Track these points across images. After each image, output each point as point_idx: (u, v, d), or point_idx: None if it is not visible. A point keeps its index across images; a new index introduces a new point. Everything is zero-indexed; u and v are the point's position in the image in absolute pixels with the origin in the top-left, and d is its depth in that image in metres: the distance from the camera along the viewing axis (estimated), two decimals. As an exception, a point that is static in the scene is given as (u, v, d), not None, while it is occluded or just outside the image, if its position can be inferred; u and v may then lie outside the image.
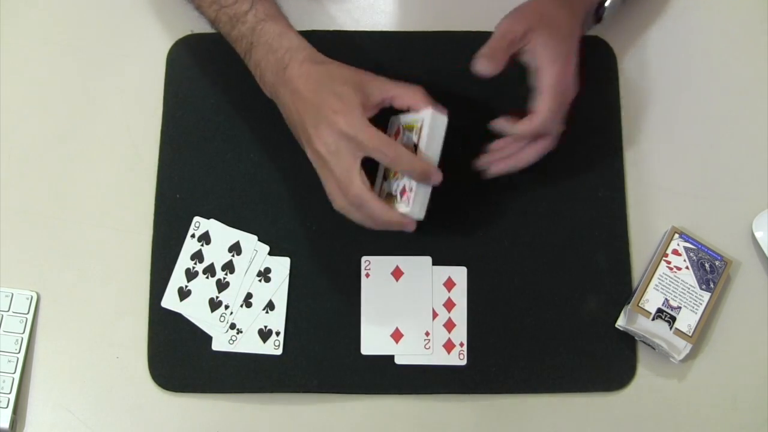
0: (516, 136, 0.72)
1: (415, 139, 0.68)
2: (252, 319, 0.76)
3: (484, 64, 0.68)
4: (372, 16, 0.85)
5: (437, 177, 0.67)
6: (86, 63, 0.83)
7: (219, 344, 0.76)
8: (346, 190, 0.66)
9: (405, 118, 0.70)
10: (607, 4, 0.77)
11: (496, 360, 0.76)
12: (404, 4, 0.85)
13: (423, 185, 0.68)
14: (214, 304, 0.76)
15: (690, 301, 0.75)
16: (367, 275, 0.77)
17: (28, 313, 0.76)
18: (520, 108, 0.71)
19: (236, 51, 0.74)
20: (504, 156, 0.75)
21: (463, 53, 0.83)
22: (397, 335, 0.76)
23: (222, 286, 0.77)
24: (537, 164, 0.79)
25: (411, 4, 0.85)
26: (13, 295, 0.76)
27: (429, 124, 0.67)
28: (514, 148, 0.74)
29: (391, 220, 0.67)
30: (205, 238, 0.78)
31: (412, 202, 0.68)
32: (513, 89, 0.72)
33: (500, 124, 0.72)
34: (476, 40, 0.82)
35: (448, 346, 0.76)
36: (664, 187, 0.81)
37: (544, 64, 0.69)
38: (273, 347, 0.75)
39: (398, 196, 0.70)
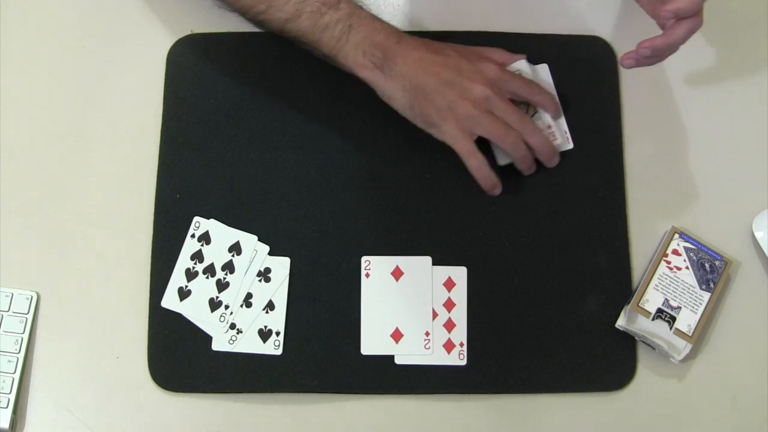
0: (666, 43, 0.71)
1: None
2: (252, 319, 0.76)
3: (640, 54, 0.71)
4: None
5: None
6: (86, 63, 0.83)
7: (219, 344, 0.76)
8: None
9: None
10: None
11: (496, 360, 0.76)
12: (408, 4, 0.85)
13: (558, 118, 0.79)
14: (214, 304, 0.76)
15: (690, 301, 0.75)
16: (367, 275, 0.77)
17: (28, 313, 0.76)
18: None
19: (305, 41, 0.75)
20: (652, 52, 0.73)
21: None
22: (397, 335, 0.76)
23: (222, 286, 0.77)
24: (540, 167, 0.79)
25: (413, 5, 0.85)
26: (13, 295, 0.76)
27: (527, 71, 0.79)
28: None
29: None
30: (205, 238, 0.78)
31: (559, 135, 0.79)
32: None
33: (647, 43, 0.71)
34: (478, 40, 0.83)
35: (448, 346, 0.76)
36: (664, 187, 0.81)
37: None
38: (273, 347, 0.75)
39: None
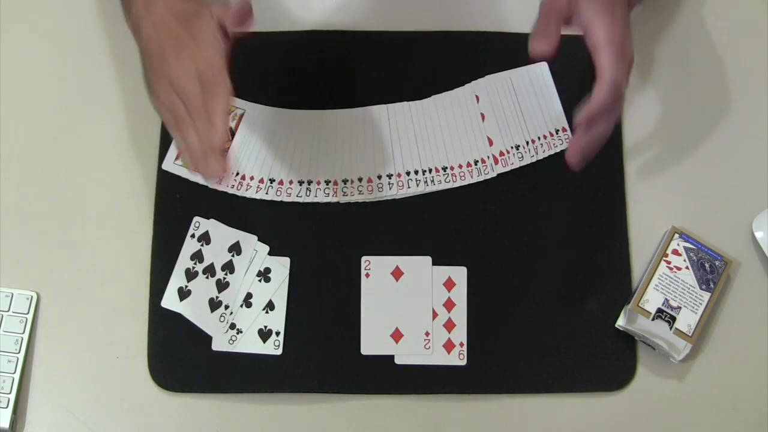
0: (595, 108, 0.66)
1: None
2: (252, 319, 0.76)
3: (540, 44, 0.66)
4: (374, 15, 0.85)
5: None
6: (86, 62, 0.83)
7: (219, 344, 0.76)
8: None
9: None
10: None
11: (496, 360, 0.76)
12: (409, 4, 0.85)
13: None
14: (214, 304, 0.76)
15: (690, 301, 0.75)
16: (367, 275, 0.77)
17: (28, 313, 0.76)
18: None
19: None
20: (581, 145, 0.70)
21: (464, 53, 0.83)
22: (397, 335, 0.76)
23: (222, 286, 0.77)
24: (540, 167, 0.79)
25: (414, 5, 0.85)
26: (13, 295, 0.76)
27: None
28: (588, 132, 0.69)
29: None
30: (205, 238, 0.78)
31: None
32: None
33: (580, 113, 0.68)
34: (477, 40, 0.83)
35: (448, 346, 0.76)
36: (664, 187, 0.81)
37: (591, 19, 0.66)
38: (273, 347, 0.75)
39: None
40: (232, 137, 0.80)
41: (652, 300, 0.75)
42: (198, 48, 0.64)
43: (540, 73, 0.82)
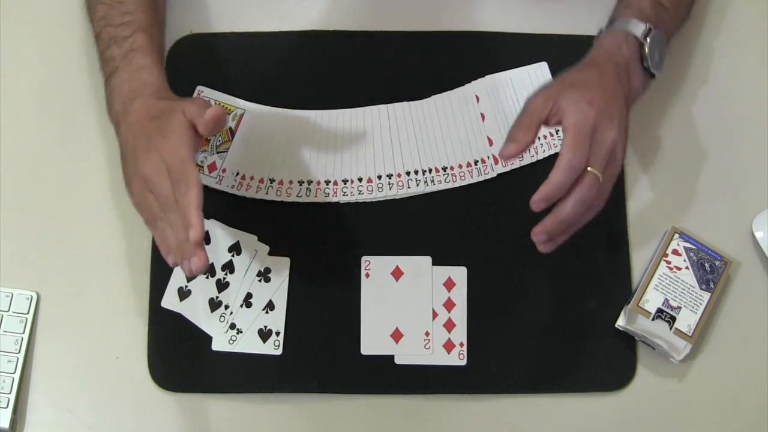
0: (548, 187, 0.65)
1: None
2: (252, 319, 0.76)
3: (514, 148, 0.66)
4: (374, 15, 0.85)
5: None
6: (86, 62, 0.83)
7: (219, 344, 0.76)
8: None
9: None
10: (646, 50, 0.72)
11: (496, 360, 0.76)
12: (404, 3, 0.85)
13: None
14: (214, 304, 0.76)
15: (690, 301, 0.75)
16: (367, 275, 0.77)
17: (28, 313, 0.76)
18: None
19: (101, 70, 0.75)
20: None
21: (464, 53, 0.83)
22: (397, 335, 0.76)
23: (222, 286, 0.77)
24: (540, 167, 0.79)
25: (414, 5, 0.85)
26: (13, 295, 0.76)
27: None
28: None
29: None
30: (205, 238, 0.78)
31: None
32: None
33: (536, 195, 0.66)
34: (477, 40, 0.83)
35: (448, 346, 0.76)
36: (664, 187, 0.81)
37: (565, 107, 0.66)
38: (273, 347, 0.75)
39: None
40: (232, 137, 0.80)
41: (652, 300, 0.75)
42: (165, 143, 0.65)
43: (540, 72, 0.82)
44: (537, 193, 0.65)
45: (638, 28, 0.73)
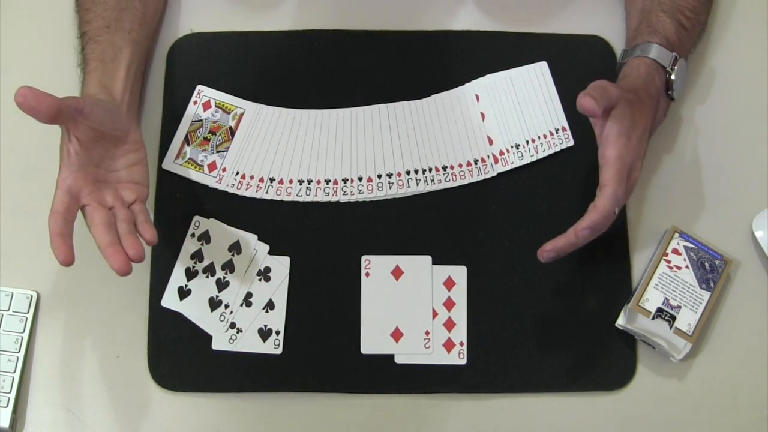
0: (596, 216, 0.68)
1: None
2: (252, 319, 0.76)
3: (590, 102, 0.66)
4: (373, 15, 0.85)
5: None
6: (86, 63, 0.83)
7: (219, 344, 0.76)
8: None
9: None
10: (672, 79, 0.75)
11: (496, 359, 0.76)
12: (404, 3, 0.85)
13: None
14: (214, 304, 0.76)
15: (690, 301, 0.75)
16: (367, 275, 0.77)
17: (28, 312, 0.76)
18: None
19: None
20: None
21: (464, 53, 0.84)
22: (397, 334, 0.76)
23: (222, 285, 0.77)
24: (540, 166, 0.80)
25: (415, 5, 0.85)
26: (13, 294, 0.76)
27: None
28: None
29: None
30: (204, 237, 0.78)
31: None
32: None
33: (580, 222, 0.69)
34: (477, 40, 0.83)
35: (448, 345, 0.76)
36: (664, 186, 0.81)
37: (610, 137, 0.69)
38: (273, 346, 0.75)
39: None
40: (232, 137, 0.80)
41: (652, 299, 0.75)
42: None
43: (540, 72, 0.82)
44: (581, 223, 0.68)
45: (667, 58, 0.75)
